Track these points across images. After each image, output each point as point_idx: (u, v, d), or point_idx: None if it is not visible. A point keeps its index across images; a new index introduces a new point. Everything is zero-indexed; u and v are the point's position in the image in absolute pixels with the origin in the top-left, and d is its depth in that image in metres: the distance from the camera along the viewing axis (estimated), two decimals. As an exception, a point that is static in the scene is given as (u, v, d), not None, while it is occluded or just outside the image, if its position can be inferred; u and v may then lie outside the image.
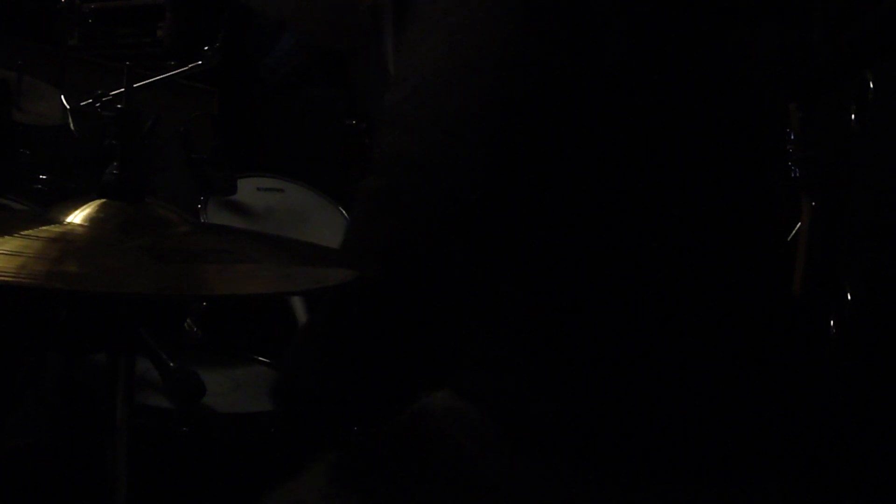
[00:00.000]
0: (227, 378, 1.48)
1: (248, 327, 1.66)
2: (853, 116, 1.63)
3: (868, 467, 1.38)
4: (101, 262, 0.71)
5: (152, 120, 1.10)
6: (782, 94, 1.68)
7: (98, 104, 1.70)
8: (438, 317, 0.90)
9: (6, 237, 0.72)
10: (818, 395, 0.97)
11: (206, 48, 1.93)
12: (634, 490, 0.87)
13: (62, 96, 1.77)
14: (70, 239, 0.75)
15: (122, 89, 0.85)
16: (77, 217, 0.77)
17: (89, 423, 1.32)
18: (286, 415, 1.27)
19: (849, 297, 1.56)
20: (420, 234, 0.88)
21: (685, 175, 0.90)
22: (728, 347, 0.90)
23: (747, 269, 0.94)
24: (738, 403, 0.90)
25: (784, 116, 1.69)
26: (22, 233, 0.73)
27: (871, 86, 1.59)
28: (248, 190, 2.00)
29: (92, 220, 0.77)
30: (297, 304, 1.60)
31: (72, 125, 1.69)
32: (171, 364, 1.27)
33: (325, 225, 2.01)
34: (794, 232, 1.62)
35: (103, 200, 0.80)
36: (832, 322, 1.56)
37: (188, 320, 1.56)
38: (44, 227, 0.76)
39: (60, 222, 0.77)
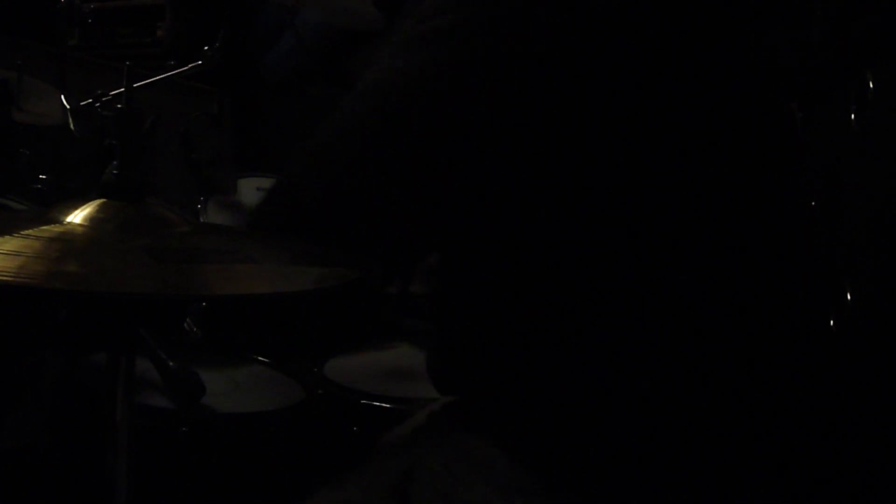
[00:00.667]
0: (227, 378, 1.48)
1: (247, 327, 1.66)
2: (853, 116, 1.63)
3: (868, 467, 1.38)
4: (100, 262, 0.71)
5: (152, 120, 1.10)
6: (782, 94, 1.68)
7: (98, 104, 1.70)
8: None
9: (6, 237, 0.72)
10: (818, 395, 0.97)
11: (206, 48, 1.93)
12: (636, 492, 0.87)
13: (62, 96, 1.77)
14: (70, 239, 0.75)
15: (122, 89, 0.85)
16: (77, 217, 0.77)
17: (89, 423, 1.32)
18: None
19: (849, 297, 1.56)
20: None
21: (684, 176, 0.90)
22: (727, 347, 0.90)
23: (747, 269, 0.94)
24: (737, 404, 0.90)
25: (789, 117, 1.69)
26: (22, 232, 0.73)
27: (871, 86, 1.59)
28: (248, 190, 1.99)
29: (92, 220, 0.77)
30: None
31: (72, 125, 1.69)
32: (171, 364, 1.27)
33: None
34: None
35: (103, 200, 0.80)
36: (832, 321, 1.56)
37: (188, 320, 1.56)
38: (44, 227, 0.76)
39: (60, 222, 0.77)
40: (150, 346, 1.26)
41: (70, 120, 1.70)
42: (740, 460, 0.90)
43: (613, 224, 0.87)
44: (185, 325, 1.52)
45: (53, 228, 0.76)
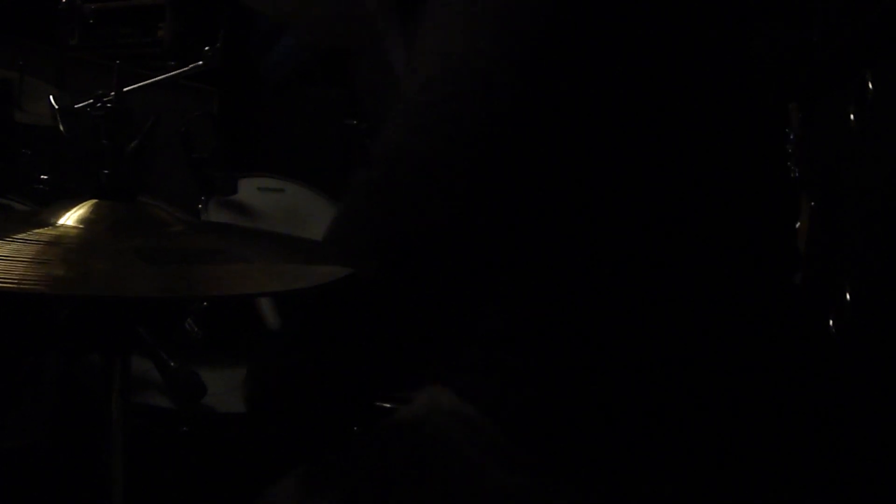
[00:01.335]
0: (227, 378, 1.47)
1: (248, 327, 1.66)
2: (852, 116, 1.63)
3: (868, 467, 1.38)
4: (92, 265, 0.71)
5: (152, 120, 1.10)
6: (782, 94, 1.68)
7: (98, 104, 1.70)
8: (425, 315, 0.89)
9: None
10: (817, 395, 0.97)
11: (206, 48, 1.93)
12: (638, 495, 0.87)
13: (51, 97, 1.77)
14: (62, 241, 0.75)
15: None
16: (69, 219, 0.77)
17: (89, 423, 1.32)
18: (265, 418, 1.27)
19: (848, 298, 1.56)
20: (412, 233, 0.86)
21: (684, 176, 0.90)
22: (727, 348, 0.90)
23: (746, 269, 0.94)
24: (737, 404, 0.90)
25: (784, 116, 1.69)
26: (14, 236, 0.73)
27: (871, 86, 1.59)
28: (249, 190, 1.99)
29: (84, 222, 0.77)
30: (266, 307, 1.59)
31: (60, 126, 1.69)
32: (171, 364, 1.27)
33: (325, 225, 2.00)
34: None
35: (95, 201, 0.80)
36: (832, 322, 1.56)
37: (188, 320, 1.56)
38: (35, 230, 0.76)
39: (52, 224, 0.77)
40: (151, 346, 1.27)
41: (59, 120, 1.70)
42: (739, 460, 0.90)
43: (611, 223, 0.87)
44: (186, 325, 1.53)
45: (45, 231, 0.76)
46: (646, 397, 0.87)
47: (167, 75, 1.95)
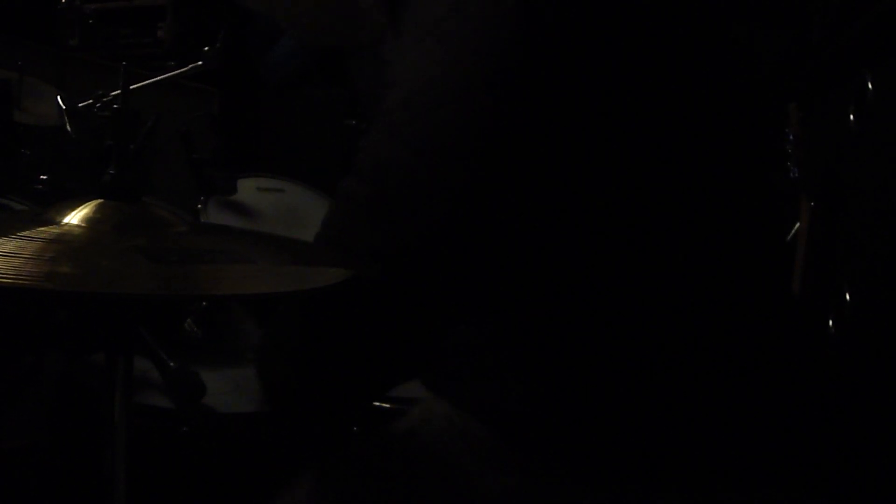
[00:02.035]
0: (227, 378, 1.47)
1: (248, 327, 1.66)
2: (852, 117, 1.63)
3: (868, 468, 1.38)
4: (96, 263, 0.71)
5: (153, 120, 1.10)
6: (782, 94, 1.68)
7: (98, 104, 1.70)
8: (415, 323, 0.89)
9: (3, 238, 0.72)
10: (817, 396, 0.97)
11: (206, 48, 1.93)
12: (632, 498, 0.87)
13: (58, 97, 1.77)
14: (66, 240, 0.75)
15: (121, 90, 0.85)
16: (74, 218, 0.77)
17: (89, 423, 1.32)
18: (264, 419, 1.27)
19: (848, 298, 1.56)
20: (399, 246, 0.86)
21: (683, 177, 0.89)
22: (726, 348, 0.90)
23: (746, 269, 0.94)
24: (736, 405, 0.90)
25: (784, 116, 1.69)
26: (19, 234, 0.73)
27: (870, 86, 1.59)
28: (248, 190, 1.99)
29: (88, 221, 0.77)
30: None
31: (68, 126, 1.69)
32: (171, 364, 1.27)
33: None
34: (793, 232, 1.62)
35: (100, 201, 0.80)
36: (831, 322, 1.56)
37: (188, 320, 1.56)
38: (40, 228, 0.76)
39: (57, 223, 0.77)
40: (150, 346, 1.27)
41: (66, 121, 1.70)
42: (735, 462, 0.90)
43: (601, 229, 0.87)
44: (185, 325, 1.53)
45: (50, 229, 0.76)
46: (640, 401, 0.87)
47: (167, 75, 1.95)
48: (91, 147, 1.66)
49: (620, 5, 0.87)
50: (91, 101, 1.74)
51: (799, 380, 0.95)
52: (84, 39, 3.01)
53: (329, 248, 0.92)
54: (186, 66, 1.95)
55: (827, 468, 0.94)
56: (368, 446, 1.02)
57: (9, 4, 2.98)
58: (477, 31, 0.86)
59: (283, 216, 2.01)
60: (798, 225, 1.65)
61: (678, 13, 0.92)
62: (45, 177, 2.33)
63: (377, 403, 1.43)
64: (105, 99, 1.73)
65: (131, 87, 0.89)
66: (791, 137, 1.68)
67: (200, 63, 1.93)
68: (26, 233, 0.74)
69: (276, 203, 2.05)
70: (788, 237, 1.58)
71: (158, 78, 1.92)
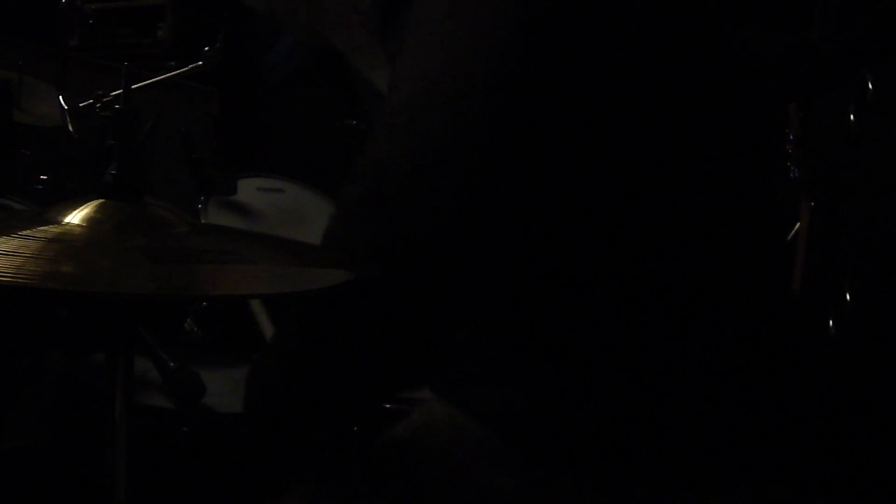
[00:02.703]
0: (227, 378, 1.48)
1: (247, 327, 1.66)
2: (852, 117, 1.63)
3: (868, 468, 1.38)
4: (97, 263, 0.72)
5: (153, 120, 1.10)
6: (782, 94, 1.68)
7: (98, 105, 1.70)
8: (414, 325, 0.89)
9: (4, 237, 0.72)
10: (817, 396, 0.97)
11: (206, 48, 1.93)
12: (633, 499, 0.87)
13: (60, 97, 1.78)
14: (67, 239, 0.75)
15: (122, 90, 0.85)
16: (75, 217, 0.78)
17: (89, 423, 1.32)
18: (260, 419, 1.27)
19: (848, 298, 1.56)
20: (399, 248, 0.86)
21: (683, 178, 0.89)
22: (727, 348, 0.90)
23: (746, 269, 0.94)
24: (736, 405, 0.90)
25: (784, 116, 1.69)
26: (20, 233, 0.73)
27: (871, 86, 1.59)
28: (248, 190, 1.99)
29: (89, 221, 0.77)
30: (261, 316, 1.59)
31: (70, 126, 1.69)
32: (171, 364, 1.27)
33: (325, 225, 2.00)
34: (793, 232, 1.62)
35: (101, 201, 0.80)
36: (832, 322, 1.56)
37: (188, 320, 1.56)
38: (41, 228, 0.76)
39: (58, 222, 0.77)
40: (150, 346, 1.27)
41: (68, 121, 1.70)
42: (739, 463, 0.90)
43: (600, 230, 0.87)
44: (185, 325, 1.53)
45: (51, 228, 0.76)
46: (641, 402, 0.87)
47: (167, 75, 1.95)
48: (91, 147, 1.66)
49: (620, 6, 0.87)
50: (92, 101, 1.74)
51: (799, 380, 0.95)
52: (84, 39, 3.00)
53: (329, 249, 0.92)
54: (186, 65, 1.96)
55: (827, 468, 0.94)
56: (369, 448, 1.02)
57: (8, 4, 2.98)
58: (476, 33, 0.86)
59: (283, 216, 2.01)
60: (798, 225, 1.65)
61: (678, 14, 0.91)
62: (44, 177, 2.33)
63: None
64: (105, 99, 1.73)
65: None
66: (791, 138, 1.68)
67: (200, 63, 1.93)
68: (27, 232, 0.74)
69: (276, 203, 2.05)
70: (788, 237, 1.58)
71: (158, 78, 1.92)
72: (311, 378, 0.92)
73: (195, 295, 0.92)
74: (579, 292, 0.87)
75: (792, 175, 1.66)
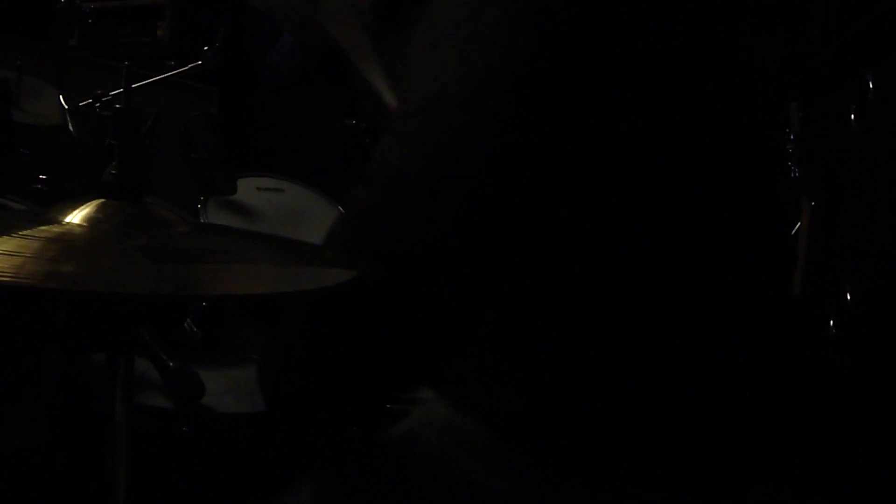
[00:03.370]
0: (227, 378, 1.47)
1: (247, 327, 1.66)
2: (853, 116, 1.63)
3: (868, 468, 1.38)
4: (98, 262, 0.71)
5: (152, 120, 1.10)
6: (782, 94, 1.68)
7: (97, 104, 1.70)
8: (420, 326, 0.89)
9: (4, 237, 0.72)
10: (817, 396, 0.97)
11: (206, 48, 1.93)
12: (633, 499, 0.87)
13: (60, 97, 1.78)
14: (68, 239, 0.75)
15: (122, 89, 0.85)
16: (75, 217, 0.77)
17: (89, 423, 1.32)
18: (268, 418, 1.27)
19: (848, 297, 1.56)
20: (408, 253, 0.86)
21: (692, 179, 0.90)
22: (727, 348, 0.90)
23: (747, 269, 0.94)
24: (736, 405, 0.90)
25: (784, 116, 1.69)
26: (20, 233, 0.73)
27: (871, 86, 1.59)
28: (248, 190, 1.99)
29: (90, 220, 0.77)
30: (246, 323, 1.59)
31: (70, 126, 1.69)
32: (171, 364, 1.27)
33: (325, 225, 1.99)
34: (793, 232, 1.62)
35: (102, 200, 0.80)
36: (832, 322, 1.56)
37: (188, 320, 1.56)
38: (42, 227, 0.76)
39: (59, 222, 0.77)
40: (150, 346, 1.26)
41: (69, 120, 1.70)
42: (738, 459, 0.90)
43: (606, 234, 0.87)
44: (185, 325, 1.53)
45: (52, 228, 0.76)
46: (640, 403, 0.87)
47: (167, 75, 1.95)
48: (91, 147, 1.66)
49: (634, 13, 0.87)
50: (91, 100, 1.74)
51: (799, 380, 0.95)
52: (83, 39, 3.00)
53: (331, 249, 0.92)
54: (186, 65, 1.95)
55: (827, 468, 0.94)
56: (369, 449, 1.02)
57: (7, 4, 2.98)
58: (492, 39, 0.85)
59: (283, 216, 2.01)
60: (798, 225, 1.65)
61: (688, 19, 0.92)
62: (44, 176, 2.32)
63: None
64: (105, 98, 1.73)
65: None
66: (792, 137, 1.68)
67: (200, 62, 1.93)
68: (28, 232, 0.74)
69: (276, 203, 2.05)
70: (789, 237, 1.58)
71: (158, 77, 1.92)
72: (315, 378, 0.92)
73: (195, 295, 0.92)
74: (580, 293, 0.87)
75: (792, 175, 1.66)
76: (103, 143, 0.84)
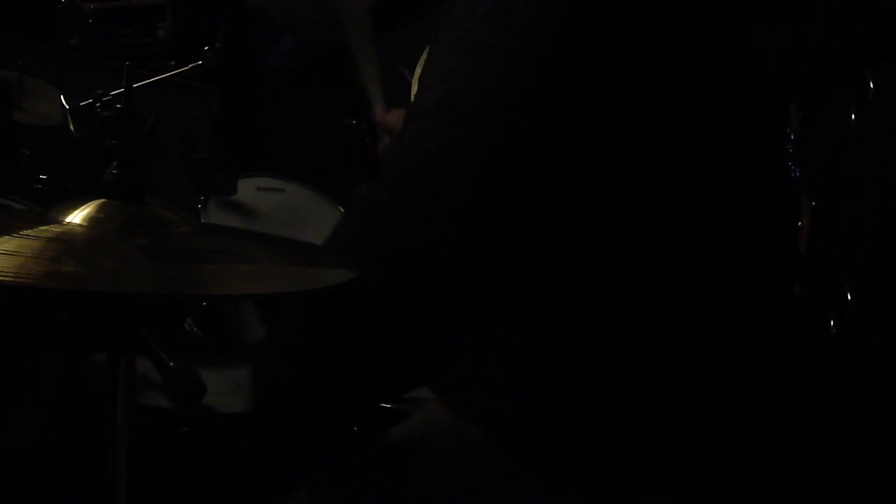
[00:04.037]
0: (227, 378, 1.47)
1: (247, 328, 1.66)
2: (853, 116, 1.63)
3: (868, 467, 1.38)
4: (98, 262, 0.71)
5: (152, 120, 1.10)
6: (782, 94, 1.68)
7: (98, 104, 1.70)
8: (425, 330, 0.89)
9: (5, 237, 0.72)
10: (818, 396, 0.97)
11: (206, 48, 1.93)
12: (629, 479, 0.87)
13: (62, 97, 1.78)
14: (68, 239, 0.75)
15: (122, 89, 0.85)
16: (76, 217, 0.77)
17: (89, 423, 1.32)
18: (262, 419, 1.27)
19: (849, 297, 1.56)
20: (415, 255, 0.86)
21: (685, 176, 0.89)
22: (727, 349, 0.90)
23: (748, 270, 0.94)
24: (737, 406, 0.90)
25: (784, 116, 1.69)
26: (21, 233, 0.73)
27: (871, 86, 1.59)
28: (248, 190, 2.00)
29: (91, 220, 0.77)
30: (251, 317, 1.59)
31: (71, 126, 1.69)
32: (171, 364, 1.27)
33: (325, 225, 2.01)
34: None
35: (103, 200, 0.80)
36: (832, 322, 1.56)
37: (188, 320, 1.56)
38: (43, 227, 0.76)
39: (60, 222, 0.77)
40: (150, 346, 1.26)
41: (70, 121, 1.70)
42: (738, 460, 0.90)
43: (611, 240, 0.87)
44: (185, 325, 1.53)
45: (52, 228, 0.76)
46: (641, 406, 0.87)
47: (167, 75, 1.95)
48: (91, 147, 1.66)
49: (658, 28, 0.87)
50: (92, 100, 1.74)
51: (800, 380, 0.95)
52: (83, 39, 3.00)
53: (332, 249, 0.92)
54: (186, 65, 1.96)
55: (828, 468, 0.94)
56: (368, 452, 1.02)
57: (8, 4, 2.98)
58: (512, 45, 0.85)
59: (283, 216, 2.01)
60: (798, 225, 1.64)
61: (706, 22, 0.91)
62: (44, 176, 2.33)
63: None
64: (105, 98, 1.73)
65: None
66: (792, 137, 1.68)
67: (200, 62, 1.93)
68: (28, 232, 0.74)
69: (276, 203, 2.05)
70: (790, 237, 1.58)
71: (158, 77, 1.92)
72: (316, 378, 0.92)
73: (196, 295, 0.92)
74: (584, 298, 0.87)
75: (792, 175, 1.66)
76: (104, 143, 0.84)
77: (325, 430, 1.27)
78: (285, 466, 1.36)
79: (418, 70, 1.86)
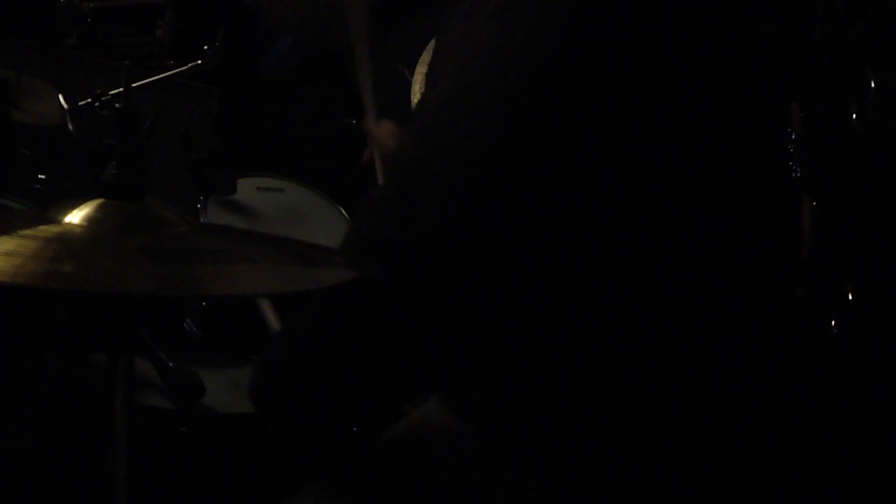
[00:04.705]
0: (227, 378, 1.47)
1: (248, 327, 1.66)
2: (854, 116, 1.63)
3: (869, 468, 1.38)
4: (98, 262, 0.71)
5: (152, 120, 1.09)
6: (784, 94, 1.68)
7: (97, 104, 1.70)
8: (430, 329, 0.89)
9: (4, 237, 0.72)
10: (819, 396, 0.97)
11: (205, 48, 1.93)
12: (627, 482, 0.87)
13: (60, 96, 1.78)
14: (68, 239, 0.75)
15: (121, 89, 0.85)
16: (75, 217, 0.77)
17: (89, 423, 1.32)
18: (268, 417, 1.27)
19: (850, 297, 1.56)
20: (423, 251, 0.85)
21: (686, 176, 0.89)
22: (727, 350, 0.90)
23: (749, 269, 0.93)
24: (737, 407, 0.90)
25: (786, 115, 1.69)
26: (20, 232, 0.73)
27: (873, 85, 1.59)
28: (248, 190, 2.00)
29: (90, 220, 0.77)
30: (268, 311, 1.59)
31: (70, 126, 1.69)
32: (171, 364, 1.27)
33: (325, 225, 2.01)
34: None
35: (102, 200, 0.80)
36: (833, 322, 1.56)
37: (188, 320, 1.56)
38: (42, 227, 0.76)
39: (59, 222, 0.77)
40: (150, 346, 1.27)
41: (68, 120, 1.70)
42: (738, 460, 0.90)
43: (614, 239, 0.86)
44: (185, 325, 1.53)
45: (51, 228, 0.76)
46: (639, 408, 0.87)
47: (166, 74, 1.95)
48: (91, 147, 1.66)
49: (666, 29, 0.87)
50: (91, 100, 1.74)
51: (801, 380, 0.95)
52: (82, 38, 3.01)
53: (344, 249, 0.92)
54: (185, 64, 1.96)
55: (828, 468, 0.94)
56: (366, 453, 1.02)
57: (7, 3, 2.98)
58: (521, 42, 0.85)
59: (283, 216, 2.01)
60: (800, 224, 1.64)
61: (716, 28, 0.91)
62: (43, 176, 2.33)
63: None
64: (104, 98, 1.73)
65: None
66: (793, 136, 1.68)
67: (199, 62, 1.93)
68: (28, 232, 0.74)
69: (276, 203, 2.05)
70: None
71: (158, 77, 1.92)
72: (317, 378, 0.92)
73: (195, 295, 0.92)
74: (585, 298, 0.87)
75: (794, 174, 1.66)
76: (103, 143, 0.84)
77: (329, 430, 1.27)
78: (285, 466, 1.36)
79: (418, 70, 1.85)
